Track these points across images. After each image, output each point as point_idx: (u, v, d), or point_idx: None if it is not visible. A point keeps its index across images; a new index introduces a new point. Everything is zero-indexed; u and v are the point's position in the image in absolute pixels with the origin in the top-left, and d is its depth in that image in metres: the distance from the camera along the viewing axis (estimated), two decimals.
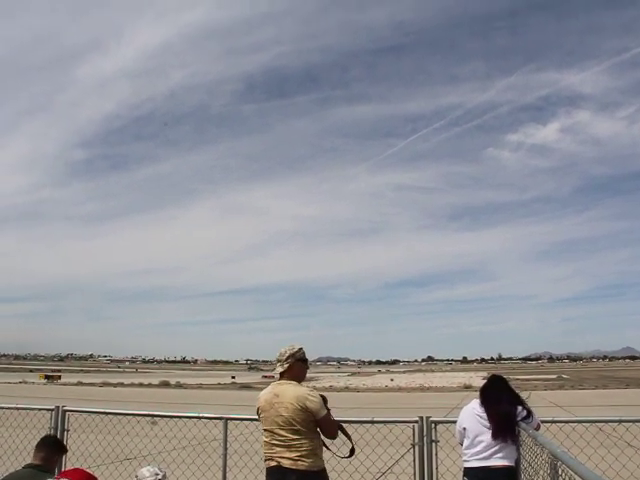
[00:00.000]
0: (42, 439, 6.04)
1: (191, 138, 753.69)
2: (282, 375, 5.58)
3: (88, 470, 5.19)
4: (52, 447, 5.80)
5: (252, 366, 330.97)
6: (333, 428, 5.51)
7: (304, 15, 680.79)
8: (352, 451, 5.70)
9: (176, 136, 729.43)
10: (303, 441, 5.22)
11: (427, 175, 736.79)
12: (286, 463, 5.16)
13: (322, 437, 5.50)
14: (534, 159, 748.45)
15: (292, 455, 5.17)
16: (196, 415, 7.92)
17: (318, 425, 5.37)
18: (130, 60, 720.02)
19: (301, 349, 5.71)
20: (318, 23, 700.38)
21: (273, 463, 5.26)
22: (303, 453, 5.18)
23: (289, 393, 5.35)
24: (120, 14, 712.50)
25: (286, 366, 5.57)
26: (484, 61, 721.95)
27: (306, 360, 5.77)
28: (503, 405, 5.71)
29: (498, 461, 5.54)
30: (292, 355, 5.60)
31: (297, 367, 5.61)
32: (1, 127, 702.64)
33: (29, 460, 6.57)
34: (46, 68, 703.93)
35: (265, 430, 5.42)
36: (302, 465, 5.15)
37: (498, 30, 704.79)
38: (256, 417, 7.40)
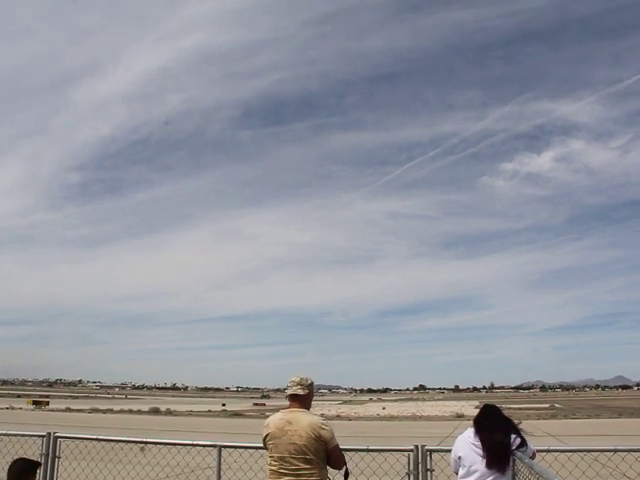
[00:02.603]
0: (9, 471, 5.80)
1: (186, 163, 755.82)
2: (294, 401, 5.62)
3: None
4: (22, 474, 5.69)
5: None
6: (342, 459, 5.57)
7: (302, 42, 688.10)
8: (347, 474, 5.70)
9: (172, 161, 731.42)
10: (313, 471, 5.23)
11: (422, 203, 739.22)
12: None
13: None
14: (528, 188, 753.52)
15: None
16: (190, 442, 7.86)
17: (327, 455, 5.40)
18: (127, 84, 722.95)
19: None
20: (316, 50, 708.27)
21: None
22: None
23: (303, 421, 5.37)
24: (118, 38, 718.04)
25: (307, 392, 5.65)
26: (480, 90, 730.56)
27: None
28: (497, 434, 5.71)
29: None
30: (311, 385, 5.73)
31: (311, 397, 5.74)
32: None
33: None
34: (43, 90, 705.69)
35: (274, 457, 5.39)
36: None
37: (494, 59, 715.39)
38: (251, 445, 7.41)
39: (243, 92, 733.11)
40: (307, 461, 5.24)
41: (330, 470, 5.63)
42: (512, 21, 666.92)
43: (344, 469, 5.69)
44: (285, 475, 5.25)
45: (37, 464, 5.89)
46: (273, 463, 5.39)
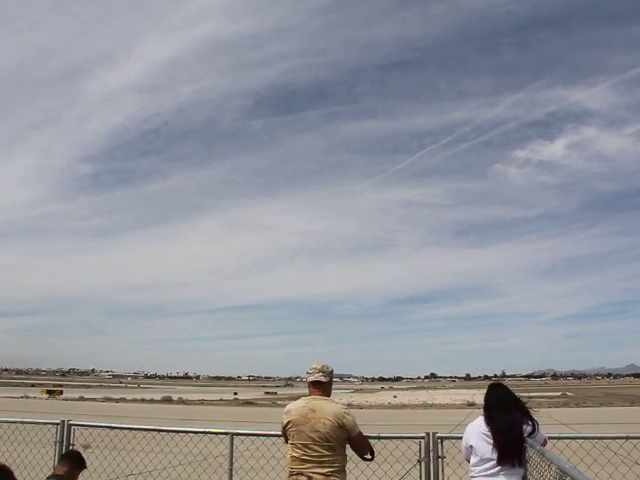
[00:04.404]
0: (67, 452, 6.38)
1: (198, 153, 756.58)
2: (316, 388, 5.66)
3: None
4: (75, 461, 5.95)
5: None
6: (366, 445, 5.66)
7: (312, 31, 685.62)
8: (372, 453, 5.79)
9: (183, 151, 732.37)
10: (336, 457, 5.32)
11: (434, 191, 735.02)
12: (319, 478, 5.22)
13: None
14: (541, 175, 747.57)
15: (324, 470, 5.24)
16: (202, 430, 7.90)
17: (350, 442, 5.49)
18: (138, 75, 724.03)
19: None
20: (326, 39, 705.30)
21: (303, 478, 5.29)
22: (335, 469, 5.28)
23: (327, 409, 5.42)
24: (129, 29, 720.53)
25: (328, 379, 5.71)
26: (492, 77, 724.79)
27: None
28: (508, 426, 5.63)
29: (506, 477, 5.51)
30: (332, 372, 5.79)
31: (332, 385, 5.80)
32: (9, 140, 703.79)
33: (34, 475, 6.64)
34: (55, 82, 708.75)
35: (296, 444, 5.43)
36: None
37: (506, 46, 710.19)
38: (263, 432, 7.45)
39: (254, 82, 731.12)
40: (330, 448, 5.30)
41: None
42: (523, 7, 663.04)
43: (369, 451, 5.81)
44: (308, 462, 5.30)
45: (84, 466, 6.10)
46: (296, 450, 5.42)
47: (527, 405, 5.90)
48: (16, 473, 5.51)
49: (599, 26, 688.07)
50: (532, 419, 5.75)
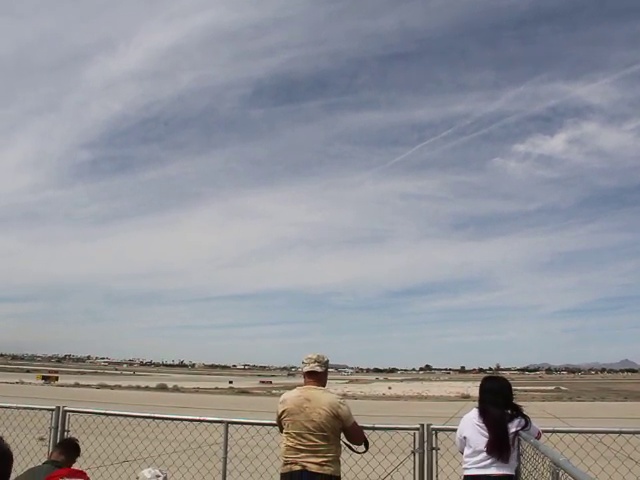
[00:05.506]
0: (64, 440, 6.51)
1: (197, 141, 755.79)
2: (311, 378, 5.69)
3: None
4: (73, 449, 6.00)
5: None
6: (360, 435, 5.71)
7: (314, 21, 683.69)
8: (367, 444, 5.83)
9: (182, 139, 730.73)
10: (330, 447, 5.34)
11: (433, 184, 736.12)
12: (313, 467, 5.24)
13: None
14: (540, 170, 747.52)
15: (319, 460, 5.26)
16: (197, 418, 7.93)
17: (345, 432, 5.53)
18: (139, 62, 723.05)
19: None
20: (328, 29, 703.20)
21: (297, 467, 5.30)
22: (329, 459, 5.30)
23: (322, 399, 5.44)
24: (130, 16, 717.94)
25: (324, 369, 5.74)
26: (493, 70, 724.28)
27: None
28: (501, 420, 5.66)
29: (498, 469, 5.54)
30: (327, 362, 5.82)
31: (327, 375, 5.84)
32: (8, 126, 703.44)
33: (29, 460, 6.67)
34: (55, 68, 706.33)
35: (291, 434, 5.45)
36: (328, 470, 5.26)
37: (507, 39, 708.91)
38: (257, 421, 7.48)
39: (254, 71, 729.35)
40: (324, 438, 5.33)
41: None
42: (527, 0, 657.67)
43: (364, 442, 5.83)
44: (302, 451, 5.33)
45: (78, 453, 6.16)
46: (290, 439, 5.44)
47: (515, 400, 5.92)
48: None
49: (601, 22, 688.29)
50: (525, 417, 5.77)
